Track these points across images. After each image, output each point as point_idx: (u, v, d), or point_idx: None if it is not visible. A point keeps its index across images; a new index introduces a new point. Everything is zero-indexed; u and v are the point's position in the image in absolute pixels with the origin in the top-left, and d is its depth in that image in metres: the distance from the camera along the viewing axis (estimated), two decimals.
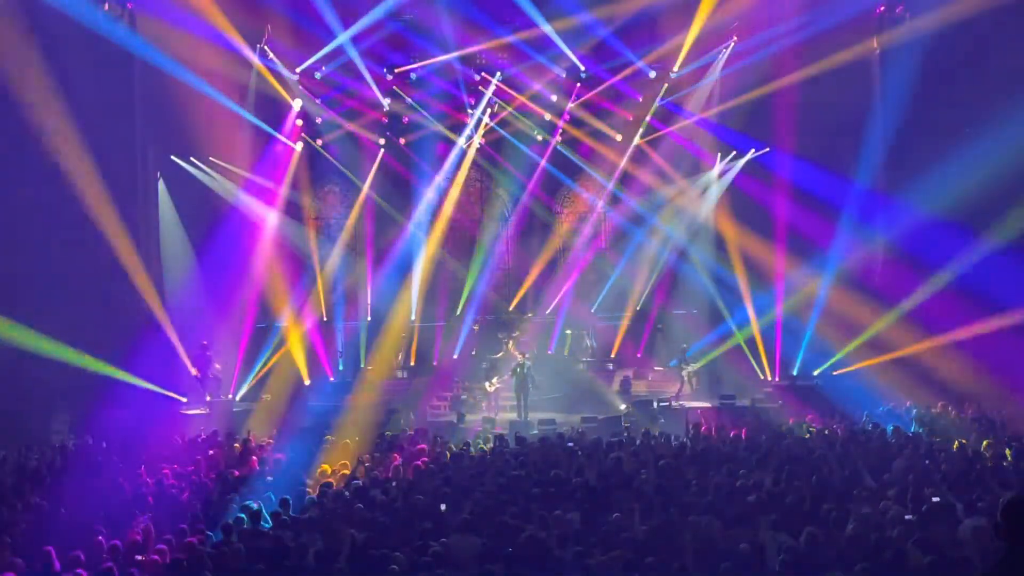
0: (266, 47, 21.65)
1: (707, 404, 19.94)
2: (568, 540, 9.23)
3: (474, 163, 24.27)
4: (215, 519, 10.42)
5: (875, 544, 8.57)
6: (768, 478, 11.33)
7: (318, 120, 23.33)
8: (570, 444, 14.23)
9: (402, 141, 23.94)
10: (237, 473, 12.87)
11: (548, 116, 23.72)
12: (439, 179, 23.77)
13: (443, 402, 21.13)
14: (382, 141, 23.82)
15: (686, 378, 21.20)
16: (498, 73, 23.08)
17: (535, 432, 17.22)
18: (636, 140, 23.61)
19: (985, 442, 13.30)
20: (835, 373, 20.23)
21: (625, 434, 16.04)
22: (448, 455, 13.99)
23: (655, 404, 19.71)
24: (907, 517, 9.56)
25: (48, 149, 17.81)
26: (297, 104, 22.61)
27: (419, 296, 23.49)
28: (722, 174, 22.96)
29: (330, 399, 19.75)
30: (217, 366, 20.31)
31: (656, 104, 23.22)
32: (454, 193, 24.06)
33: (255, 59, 21.52)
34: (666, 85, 22.92)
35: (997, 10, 17.89)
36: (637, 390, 21.71)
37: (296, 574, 8.47)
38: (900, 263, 19.90)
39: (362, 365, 22.34)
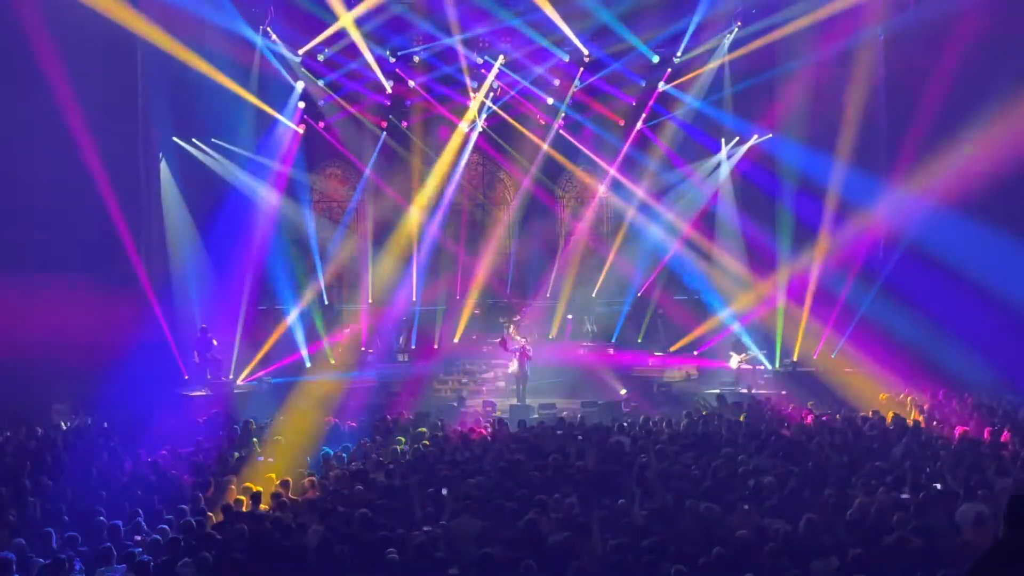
0: (269, 29, 21.58)
1: (709, 390, 19.92)
2: (567, 524, 9.25)
3: (476, 147, 24.23)
4: (215, 500, 10.47)
5: (873, 530, 8.59)
6: (767, 464, 11.36)
7: (320, 102, 23.30)
8: (576, 434, 14.22)
9: (404, 124, 23.93)
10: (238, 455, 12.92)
11: (551, 100, 23.66)
12: (441, 163, 23.73)
13: (444, 386, 21.17)
14: (384, 124, 23.79)
15: (735, 366, 21.03)
16: (501, 56, 22.98)
17: (535, 416, 17.26)
18: (639, 125, 23.55)
19: (987, 430, 13.31)
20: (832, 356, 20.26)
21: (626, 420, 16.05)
22: (449, 439, 14.02)
23: (655, 388, 19.70)
24: (904, 499, 9.60)
25: (50, 128, 17.75)
26: (300, 86, 22.57)
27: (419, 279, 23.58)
28: (725, 159, 22.91)
29: None
30: (215, 342, 20.23)
31: (659, 89, 23.14)
32: (456, 177, 24.03)
33: (258, 40, 21.47)
34: (669, 70, 22.82)
35: None
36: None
37: (296, 556, 8.50)
38: (902, 250, 19.83)
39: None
